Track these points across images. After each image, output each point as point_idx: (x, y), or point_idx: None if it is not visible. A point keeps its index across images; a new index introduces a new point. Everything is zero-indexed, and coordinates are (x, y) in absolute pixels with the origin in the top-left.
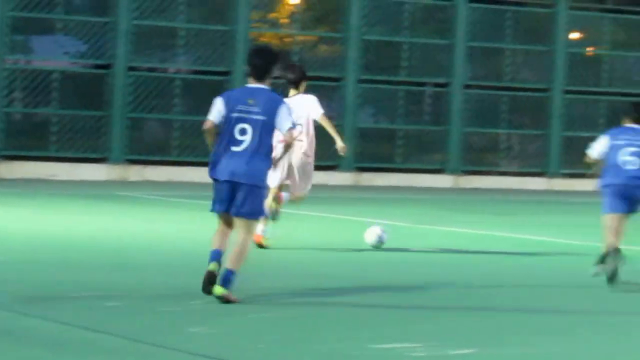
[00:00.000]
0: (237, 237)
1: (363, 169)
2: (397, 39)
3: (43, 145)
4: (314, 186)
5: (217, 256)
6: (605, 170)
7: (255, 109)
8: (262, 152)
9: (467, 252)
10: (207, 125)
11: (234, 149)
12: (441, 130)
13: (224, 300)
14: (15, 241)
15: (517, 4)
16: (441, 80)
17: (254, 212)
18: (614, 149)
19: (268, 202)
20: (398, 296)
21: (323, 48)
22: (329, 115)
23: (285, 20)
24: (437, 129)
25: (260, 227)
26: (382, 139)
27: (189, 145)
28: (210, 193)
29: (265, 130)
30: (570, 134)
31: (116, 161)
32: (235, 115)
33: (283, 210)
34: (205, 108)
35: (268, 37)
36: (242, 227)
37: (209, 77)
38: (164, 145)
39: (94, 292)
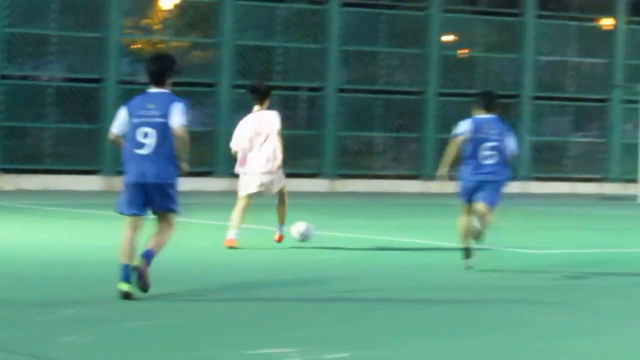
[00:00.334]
0: (159, 229)
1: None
2: (270, 43)
3: None
4: (192, 192)
5: (127, 276)
6: (464, 164)
7: (155, 113)
8: (166, 152)
9: (343, 255)
10: (111, 136)
11: (139, 152)
12: (316, 134)
13: (141, 274)
14: None
15: (390, 7)
16: (315, 84)
17: (171, 207)
18: (477, 141)
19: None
20: (274, 301)
21: (196, 53)
22: (204, 121)
23: (158, 26)
24: (312, 134)
25: (233, 232)
26: None
27: (63, 154)
28: (84, 201)
29: (167, 131)
30: (444, 136)
31: None
32: (136, 120)
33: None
34: (79, 115)
35: (141, 44)
36: (163, 222)
37: (82, 85)
38: (38, 154)
39: None
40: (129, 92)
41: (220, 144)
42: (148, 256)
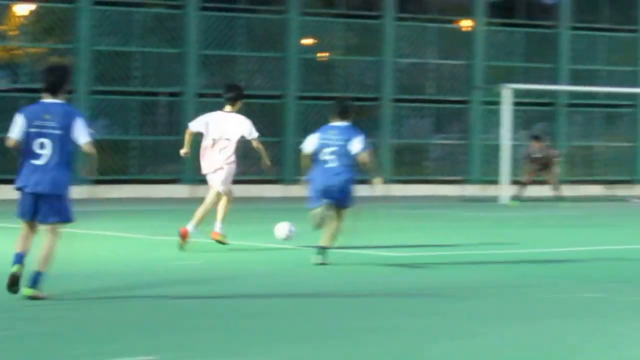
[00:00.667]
0: (44, 241)
1: (98, 181)
2: (128, 48)
3: None
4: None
5: (20, 259)
6: (314, 166)
7: (52, 124)
8: (62, 164)
9: (207, 261)
10: (9, 142)
11: (35, 162)
12: (175, 140)
13: (34, 298)
14: None
15: (248, 11)
16: (174, 89)
17: (60, 219)
18: (320, 147)
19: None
20: (138, 308)
21: (53, 60)
22: None
23: (14, 32)
24: (172, 139)
25: (218, 225)
26: (117, 151)
27: None
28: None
29: (63, 143)
30: (304, 140)
31: None
32: (33, 130)
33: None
34: None
35: None
36: (49, 232)
37: None
38: None
39: None
40: None
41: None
42: (35, 282)
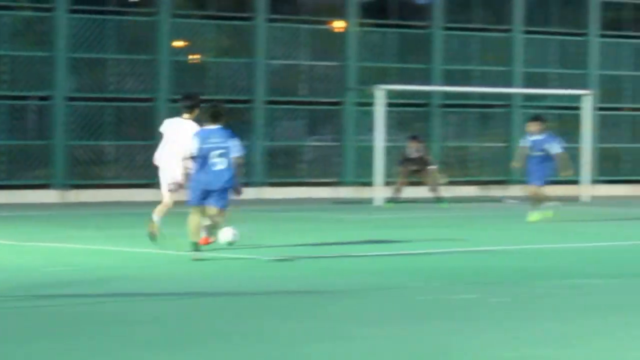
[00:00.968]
0: None
1: None
2: None
3: None
4: None
5: None
6: (196, 168)
7: None
8: None
9: (74, 268)
10: None
11: None
12: (46, 144)
13: None
14: None
15: (118, 13)
16: (44, 93)
17: None
18: (206, 151)
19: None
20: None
21: None
22: None
23: None
24: (42, 144)
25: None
26: None
27: None
28: None
29: None
30: None
31: None
32: None
33: None
34: None
35: None
36: None
37: None
38: None
39: None
40: None
41: None
42: None
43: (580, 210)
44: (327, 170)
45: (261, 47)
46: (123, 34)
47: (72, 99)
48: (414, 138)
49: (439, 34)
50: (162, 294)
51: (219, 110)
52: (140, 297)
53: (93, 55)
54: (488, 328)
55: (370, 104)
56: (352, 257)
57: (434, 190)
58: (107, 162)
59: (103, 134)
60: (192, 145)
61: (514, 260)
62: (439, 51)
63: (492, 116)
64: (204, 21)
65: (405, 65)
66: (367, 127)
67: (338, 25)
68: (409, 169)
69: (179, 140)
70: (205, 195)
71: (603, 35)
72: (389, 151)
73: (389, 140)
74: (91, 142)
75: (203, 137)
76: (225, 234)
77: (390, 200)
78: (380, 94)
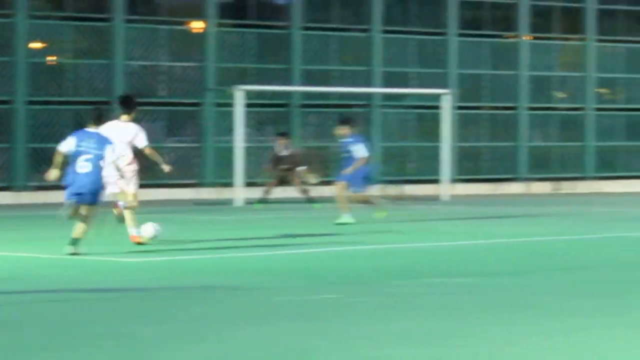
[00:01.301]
0: None
1: None
2: None
3: None
4: None
5: None
6: (69, 169)
7: None
8: None
9: None
10: None
11: None
12: None
13: None
14: None
15: None
16: None
17: None
18: (76, 153)
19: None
20: None
21: None
22: None
23: None
24: None
25: (134, 230)
26: None
27: None
28: None
29: None
30: (36, 145)
31: None
32: None
33: None
34: None
35: None
36: None
37: None
38: None
39: None
40: None
41: None
42: None
43: (440, 210)
44: (188, 171)
45: (119, 48)
46: None
47: None
48: (282, 135)
49: (298, 34)
50: (24, 297)
51: (102, 113)
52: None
53: None
54: (349, 328)
55: (230, 105)
56: (213, 259)
57: (303, 191)
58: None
59: None
60: (66, 143)
61: (375, 260)
62: (298, 51)
63: (351, 116)
64: (61, 22)
65: (264, 66)
66: (227, 127)
67: (197, 25)
68: (279, 169)
69: (124, 142)
70: (77, 196)
71: (461, 35)
72: (249, 152)
73: (249, 141)
74: None
75: (79, 138)
76: (147, 230)
77: (260, 201)
78: (239, 94)
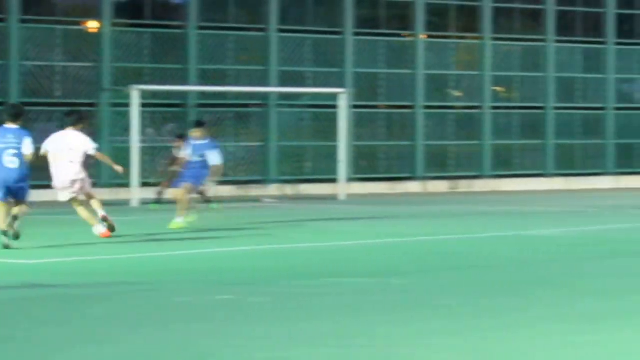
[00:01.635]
0: None
1: None
2: None
3: None
4: None
5: None
6: None
7: None
8: None
9: None
10: None
11: None
12: None
13: None
14: None
15: None
16: None
17: None
18: (1, 150)
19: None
20: None
21: None
22: None
23: None
24: None
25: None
26: None
27: None
28: None
29: None
30: None
31: None
32: None
33: None
34: None
35: None
36: None
37: None
38: None
39: None
40: None
41: None
42: None
43: (337, 209)
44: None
45: (14, 48)
46: None
47: None
48: (180, 137)
49: (194, 33)
50: None
51: (19, 111)
52: None
53: None
54: (244, 329)
55: (126, 105)
56: (109, 260)
57: (199, 191)
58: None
59: None
60: None
61: (270, 260)
62: (194, 51)
63: (248, 115)
64: None
65: (160, 66)
66: (122, 127)
67: (92, 25)
68: (171, 170)
69: (73, 150)
70: (6, 190)
71: (358, 34)
72: (145, 152)
73: (146, 141)
74: None
75: (1, 137)
76: (99, 229)
77: (156, 202)
78: (135, 94)
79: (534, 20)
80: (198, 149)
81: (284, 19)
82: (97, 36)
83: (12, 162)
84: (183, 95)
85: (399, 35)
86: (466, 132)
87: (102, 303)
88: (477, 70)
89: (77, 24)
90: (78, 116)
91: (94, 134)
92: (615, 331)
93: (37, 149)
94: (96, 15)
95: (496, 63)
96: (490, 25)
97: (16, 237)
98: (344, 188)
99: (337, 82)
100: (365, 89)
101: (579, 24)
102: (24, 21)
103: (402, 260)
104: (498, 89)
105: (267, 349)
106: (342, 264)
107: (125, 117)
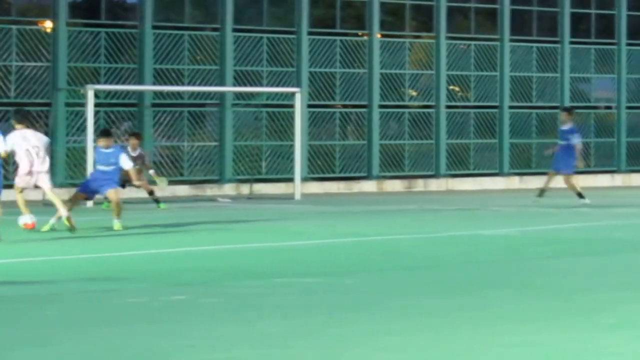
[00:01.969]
0: None
1: None
2: None
3: None
4: None
5: None
6: None
7: None
8: None
9: None
10: None
11: None
12: None
13: None
14: None
15: None
16: None
17: None
18: None
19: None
20: None
21: None
22: None
23: None
24: None
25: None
26: None
27: None
28: None
29: None
30: None
31: None
32: None
33: None
34: None
35: None
36: None
37: None
38: None
39: None
40: None
41: None
42: None
43: (292, 208)
44: None
45: None
46: None
47: None
48: (134, 135)
49: (149, 33)
50: None
51: None
52: None
53: None
54: (198, 330)
55: (81, 105)
56: (64, 260)
57: (149, 192)
58: None
59: None
60: None
61: (223, 260)
62: (149, 50)
63: (204, 115)
64: None
65: (116, 65)
66: (78, 127)
67: (47, 25)
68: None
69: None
70: None
71: (312, 33)
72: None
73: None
74: None
75: None
76: (24, 220)
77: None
78: (90, 94)
79: (489, 19)
80: (106, 158)
81: (239, 18)
82: (52, 36)
83: None
84: (138, 95)
85: (354, 35)
86: (421, 131)
87: (52, 304)
88: (433, 69)
89: (32, 23)
90: (20, 115)
91: (48, 134)
92: (566, 330)
93: None
94: (51, 15)
95: (451, 62)
96: (446, 25)
97: None
98: (299, 187)
99: (292, 81)
100: (320, 89)
101: (534, 23)
102: None
103: (356, 260)
104: (453, 88)
105: (219, 349)
106: (295, 263)
107: (80, 117)
